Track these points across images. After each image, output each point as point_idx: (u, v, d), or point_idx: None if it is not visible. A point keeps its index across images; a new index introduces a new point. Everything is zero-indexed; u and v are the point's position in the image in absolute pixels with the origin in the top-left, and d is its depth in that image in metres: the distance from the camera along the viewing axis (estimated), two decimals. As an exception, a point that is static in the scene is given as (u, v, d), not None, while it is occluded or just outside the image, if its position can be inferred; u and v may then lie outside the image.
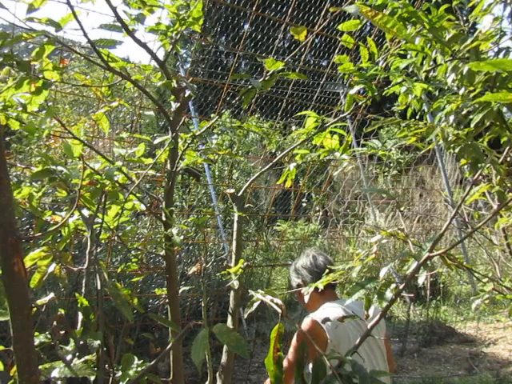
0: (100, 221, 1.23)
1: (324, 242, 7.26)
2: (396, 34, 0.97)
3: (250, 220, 7.63)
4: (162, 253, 1.42)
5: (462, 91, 1.11)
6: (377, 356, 1.82)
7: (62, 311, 1.16)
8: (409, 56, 1.23)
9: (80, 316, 1.11)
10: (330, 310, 1.81)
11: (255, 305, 1.05)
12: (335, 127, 1.48)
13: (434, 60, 1.16)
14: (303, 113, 1.52)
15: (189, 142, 1.43)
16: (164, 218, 1.41)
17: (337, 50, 5.15)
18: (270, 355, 0.88)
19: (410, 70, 1.22)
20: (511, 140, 1.08)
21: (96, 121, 1.49)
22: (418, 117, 1.33)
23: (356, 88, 1.28)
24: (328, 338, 1.71)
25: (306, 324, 1.78)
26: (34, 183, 1.20)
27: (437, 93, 1.22)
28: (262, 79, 1.35)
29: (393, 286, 1.00)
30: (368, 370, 0.82)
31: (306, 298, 1.89)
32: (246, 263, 1.33)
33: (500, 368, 4.29)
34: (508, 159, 1.14)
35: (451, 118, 1.11)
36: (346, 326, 1.74)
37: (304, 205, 9.06)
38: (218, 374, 1.48)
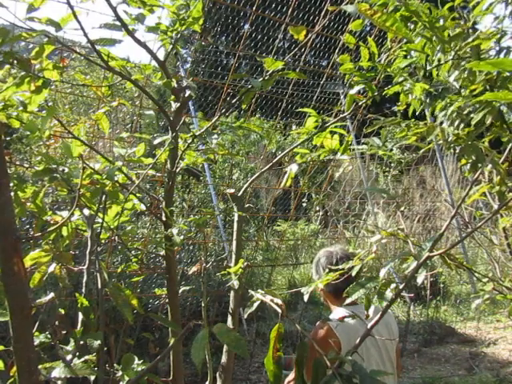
0: (100, 220, 1.23)
1: (324, 242, 7.25)
2: (395, 32, 0.96)
3: (250, 220, 7.63)
4: (162, 253, 1.42)
5: (463, 91, 1.11)
6: (387, 368, 1.80)
7: (62, 311, 1.16)
8: (409, 56, 1.23)
9: (80, 316, 1.11)
10: (339, 316, 1.78)
11: (255, 305, 1.05)
12: (335, 127, 1.48)
13: (438, 59, 1.16)
14: (304, 110, 1.52)
15: (189, 141, 1.43)
16: (164, 218, 1.41)
17: (337, 50, 5.15)
18: (270, 355, 0.88)
19: (411, 70, 1.22)
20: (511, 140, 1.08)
21: (96, 121, 1.49)
22: (420, 115, 1.33)
23: (356, 88, 1.28)
24: (341, 343, 1.68)
25: (316, 330, 1.76)
26: (34, 183, 1.20)
27: (440, 90, 1.22)
28: (261, 79, 1.35)
29: (393, 285, 0.99)
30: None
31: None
32: (246, 263, 1.33)
33: (500, 368, 4.29)
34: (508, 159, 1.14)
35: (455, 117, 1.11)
36: (358, 332, 1.70)
37: (304, 205, 9.06)
38: (218, 374, 1.48)
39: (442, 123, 1.17)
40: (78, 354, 1.04)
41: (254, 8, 4.01)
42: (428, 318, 5.32)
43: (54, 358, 1.03)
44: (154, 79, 1.47)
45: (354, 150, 1.59)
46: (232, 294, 1.51)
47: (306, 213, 8.97)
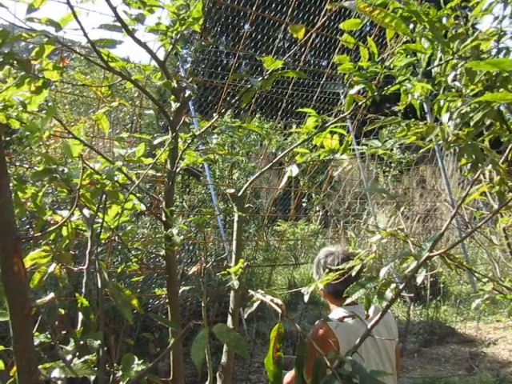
0: (100, 220, 1.23)
1: (324, 242, 7.25)
2: (395, 28, 0.96)
3: (250, 220, 7.63)
4: (162, 253, 1.42)
5: (464, 90, 1.11)
6: (387, 368, 1.80)
7: (62, 311, 1.16)
8: (409, 56, 1.23)
9: (80, 316, 1.11)
10: (339, 316, 1.76)
11: (255, 305, 1.05)
12: (335, 127, 1.48)
13: (439, 59, 1.15)
14: (304, 110, 1.52)
15: (189, 141, 1.43)
16: (164, 218, 1.41)
17: (337, 50, 5.15)
18: (270, 355, 0.88)
19: (412, 70, 1.22)
20: (511, 140, 1.09)
21: (96, 121, 1.49)
22: (421, 115, 1.33)
23: (356, 88, 1.28)
24: (340, 343, 1.67)
25: (315, 330, 1.75)
26: (35, 183, 1.20)
27: (441, 90, 1.22)
28: (261, 78, 1.35)
29: (393, 285, 0.99)
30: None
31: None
32: (246, 263, 1.33)
33: (500, 368, 4.29)
34: (508, 159, 1.14)
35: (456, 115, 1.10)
36: (358, 332, 1.69)
37: (304, 205, 9.06)
38: (218, 374, 1.48)
39: (441, 123, 1.17)
40: (77, 353, 1.04)
41: (254, 8, 4.01)
42: (428, 318, 5.32)
43: (54, 358, 1.03)
44: (154, 79, 1.47)
45: (353, 150, 1.59)
46: (232, 294, 1.51)
47: (306, 213, 8.97)
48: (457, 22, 1.09)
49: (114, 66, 1.31)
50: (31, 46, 1.16)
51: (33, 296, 0.96)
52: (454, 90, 1.15)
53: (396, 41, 1.24)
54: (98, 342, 1.05)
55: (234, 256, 1.54)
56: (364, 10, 0.93)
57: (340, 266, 1.23)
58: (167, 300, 1.44)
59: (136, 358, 1.16)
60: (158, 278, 4.11)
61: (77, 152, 1.19)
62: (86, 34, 1.13)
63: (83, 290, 1.14)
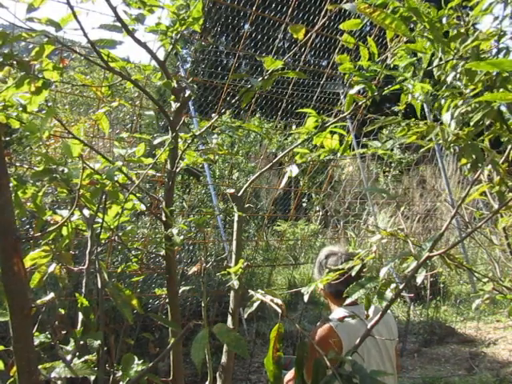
0: (100, 220, 1.23)
1: (324, 242, 7.25)
2: (395, 29, 0.96)
3: (250, 220, 7.63)
4: (162, 253, 1.42)
5: (464, 90, 1.11)
6: (387, 368, 1.80)
7: (62, 311, 1.16)
8: (409, 56, 1.23)
9: (80, 316, 1.11)
10: (339, 316, 1.76)
11: (255, 305, 1.05)
12: (335, 127, 1.48)
13: (440, 58, 1.15)
14: (304, 110, 1.52)
15: (189, 141, 1.43)
16: (164, 218, 1.41)
17: (337, 50, 5.15)
18: (270, 355, 0.88)
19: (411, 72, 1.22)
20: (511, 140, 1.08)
21: (96, 121, 1.49)
22: (422, 115, 1.33)
23: (356, 88, 1.28)
24: (342, 343, 1.67)
25: (318, 329, 1.74)
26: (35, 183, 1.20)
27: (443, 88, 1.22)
28: (261, 78, 1.35)
29: (393, 285, 0.99)
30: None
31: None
32: (246, 263, 1.33)
33: (500, 368, 4.29)
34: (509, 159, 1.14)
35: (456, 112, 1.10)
36: (359, 332, 1.68)
37: (304, 205, 9.06)
38: (218, 374, 1.48)
39: (441, 123, 1.17)
40: (77, 353, 1.04)
41: (254, 8, 4.01)
42: (428, 318, 5.32)
43: (54, 358, 1.03)
44: (153, 79, 1.47)
45: (354, 150, 1.59)
46: (232, 294, 1.51)
47: (306, 213, 8.97)
48: (457, 22, 1.09)
49: (113, 66, 1.31)
50: (31, 45, 1.16)
51: (33, 296, 0.96)
52: (452, 86, 1.15)
53: (398, 40, 1.23)
54: (98, 342, 1.05)
55: (234, 256, 1.54)
56: (364, 11, 0.93)
57: (340, 266, 1.23)
58: (167, 300, 1.44)
59: (136, 358, 1.16)
60: (158, 278, 4.11)
61: (77, 152, 1.19)
62: (85, 34, 1.13)
63: (83, 290, 1.14)
